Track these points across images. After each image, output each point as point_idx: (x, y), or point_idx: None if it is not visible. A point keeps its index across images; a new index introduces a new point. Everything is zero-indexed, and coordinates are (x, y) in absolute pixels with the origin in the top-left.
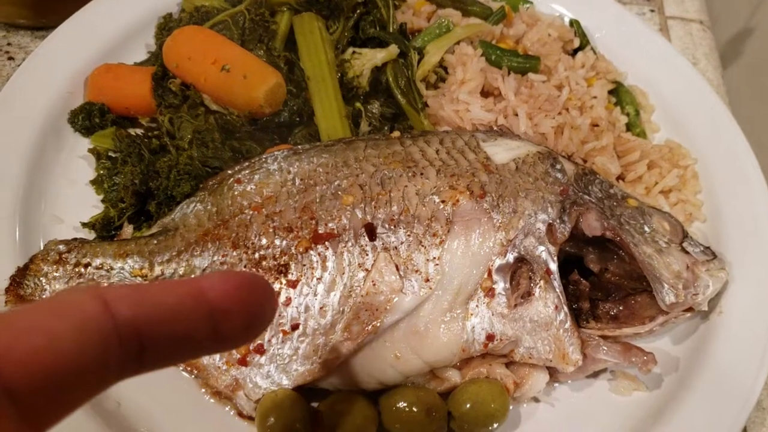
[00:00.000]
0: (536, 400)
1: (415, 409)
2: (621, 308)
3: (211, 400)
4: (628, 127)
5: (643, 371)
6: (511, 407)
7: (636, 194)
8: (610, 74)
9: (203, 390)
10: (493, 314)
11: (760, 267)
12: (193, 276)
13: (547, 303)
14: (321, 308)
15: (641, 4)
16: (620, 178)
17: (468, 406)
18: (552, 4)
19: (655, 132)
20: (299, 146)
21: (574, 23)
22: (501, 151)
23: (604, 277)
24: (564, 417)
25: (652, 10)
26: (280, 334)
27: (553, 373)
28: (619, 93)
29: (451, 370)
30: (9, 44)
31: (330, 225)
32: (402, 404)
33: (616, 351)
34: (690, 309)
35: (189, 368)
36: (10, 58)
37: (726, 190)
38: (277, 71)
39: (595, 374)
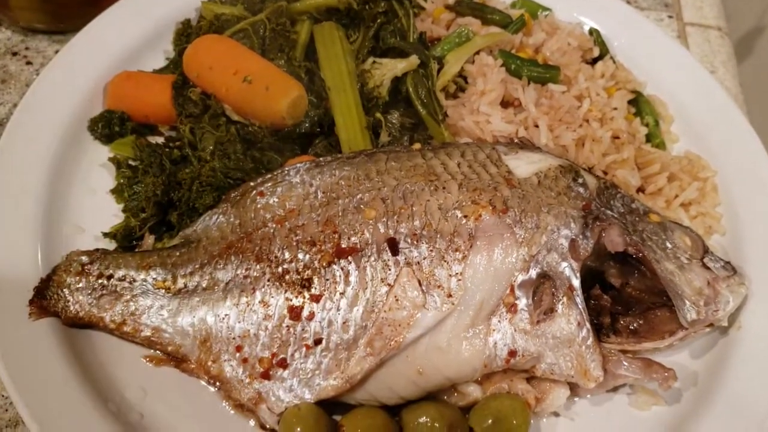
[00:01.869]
0: (556, 414)
1: (436, 425)
2: (641, 322)
3: (234, 413)
4: (648, 138)
5: (664, 387)
6: (531, 421)
7: (656, 207)
8: (630, 84)
9: (225, 402)
10: (515, 330)
11: None
12: (216, 289)
13: (569, 319)
14: (344, 323)
15: (659, 10)
16: (640, 190)
17: (490, 421)
18: (571, 12)
19: (675, 143)
20: (321, 158)
21: (593, 32)
22: (523, 165)
23: (625, 291)
24: (584, 431)
25: (671, 17)
26: (303, 349)
27: (574, 388)
28: (638, 103)
29: (473, 385)
30: (27, 48)
31: (353, 239)
32: (424, 419)
33: (637, 367)
34: (710, 324)
35: (212, 380)
36: (29, 63)
37: (745, 203)
38: (299, 83)
39: (615, 388)
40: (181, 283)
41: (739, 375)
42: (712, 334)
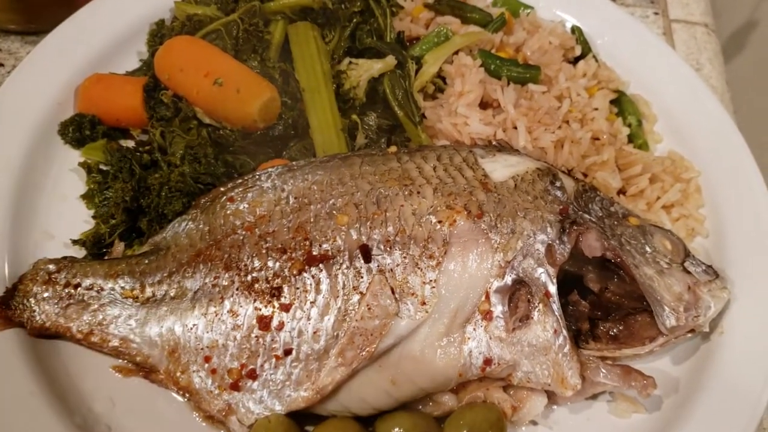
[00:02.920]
0: (534, 423)
1: None
2: (621, 328)
3: (204, 425)
4: (630, 138)
5: (643, 395)
6: (508, 431)
7: (637, 210)
8: (612, 83)
9: (195, 414)
10: (491, 338)
11: (762, 285)
12: (184, 298)
13: (545, 327)
14: (314, 333)
15: (645, 6)
16: (621, 192)
17: (465, 431)
18: (554, 9)
19: (658, 142)
20: (294, 162)
21: (576, 30)
22: (499, 168)
23: (604, 296)
24: None
25: (656, 13)
26: (273, 359)
27: (552, 396)
28: (621, 102)
29: (448, 394)
30: None
31: (324, 246)
32: (397, 430)
33: (616, 374)
34: (692, 330)
35: (181, 391)
36: (0, 65)
37: (730, 204)
38: (271, 85)
39: (594, 396)
40: (149, 292)
41: (722, 380)
42: (694, 339)
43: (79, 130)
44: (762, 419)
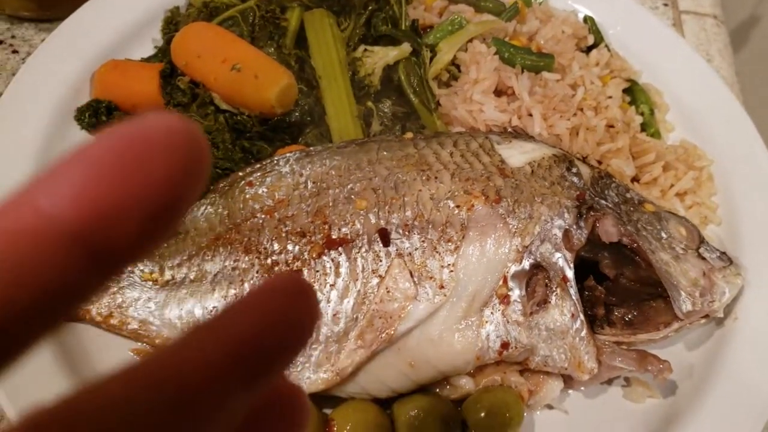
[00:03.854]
0: (550, 407)
1: (429, 418)
2: (636, 314)
3: None
4: (643, 127)
5: (659, 380)
6: (525, 414)
7: (651, 197)
8: (625, 72)
9: None
10: (508, 322)
11: None
12: (204, 281)
13: (563, 311)
14: (334, 315)
15: None
16: (635, 179)
17: (483, 414)
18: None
19: (670, 131)
20: (311, 148)
21: (588, 20)
22: (516, 154)
23: (620, 282)
24: (578, 424)
25: (666, 4)
26: None
27: (567, 381)
28: (633, 92)
29: (465, 377)
30: (13, 37)
31: (343, 230)
32: (415, 412)
33: (632, 359)
34: (706, 315)
35: None
36: (14, 52)
37: (742, 192)
38: (288, 71)
39: (609, 381)
40: (168, 275)
41: (736, 367)
42: (708, 326)
43: (95, 115)
44: None
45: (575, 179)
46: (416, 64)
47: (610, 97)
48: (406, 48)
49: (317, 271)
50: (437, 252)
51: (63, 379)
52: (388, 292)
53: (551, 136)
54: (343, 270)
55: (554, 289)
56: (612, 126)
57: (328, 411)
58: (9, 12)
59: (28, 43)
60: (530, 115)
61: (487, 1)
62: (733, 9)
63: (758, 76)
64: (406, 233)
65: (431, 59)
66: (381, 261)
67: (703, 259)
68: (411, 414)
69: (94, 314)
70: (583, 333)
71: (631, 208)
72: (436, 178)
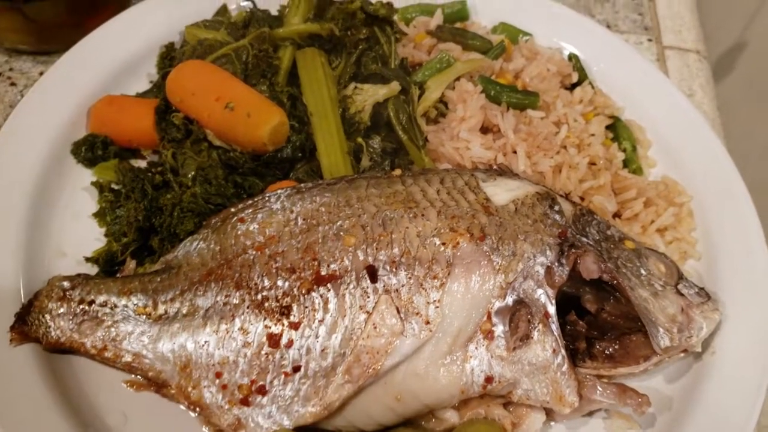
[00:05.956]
0: None
1: None
2: (616, 347)
3: None
4: (625, 163)
5: (638, 413)
6: None
7: (632, 233)
8: (608, 109)
9: (206, 428)
10: (492, 357)
11: (753, 306)
12: (196, 315)
13: (545, 346)
14: (322, 350)
15: (639, 33)
16: (617, 215)
17: None
18: (551, 37)
19: (652, 167)
20: (302, 184)
21: (573, 57)
22: (500, 192)
23: (600, 317)
24: None
25: (650, 40)
26: (282, 376)
27: (550, 413)
28: (616, 128)
29: (450, 410)
30: (11, 69)
31: (332, 266)
32: None
33: (612, 392)
34: (685, 350)
35: (192, 406)
36: (12, 84)
37: (720, 227)
38: (280, 109)
39: (591, 413)
40: (161, 309)
41: (713, 400)
42: (686, 359)
43: (91, 149)
44: None
45: (557, 217)
46: (405, 101)
47: (593, 135)
48: (395, 86)
49: (306, 307)
50: (423, 288)
51: (59, 412)
52: (375, 327)
53: (535, 174)
54: (331, 306)
55: (536, 324)
56: (594, 163)
57: None
58: (7, 45)
59: (26, 75)
60: (515, 152)
61: (474, 40)
62: (716, 41)
63: (740, 107)
64: (394, 270)
65: (420, 96)
66: (368, 297)
67: (682, 295)
68: None
69: (89, 347)
70: (565, 368)
71: (612, 245)
72: (422, 215)
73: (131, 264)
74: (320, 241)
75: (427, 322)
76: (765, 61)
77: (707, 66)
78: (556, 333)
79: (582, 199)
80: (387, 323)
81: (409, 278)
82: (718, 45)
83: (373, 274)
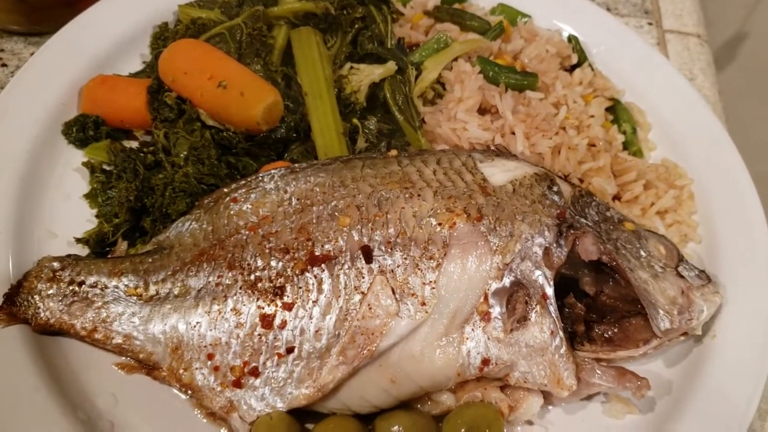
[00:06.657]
0: (530, 422)
1: None
2: (616, 330)
3: (205, 421)
4: (625, 146)
5: (637, 396)
6: (505, 430)
7: (632, 215)
8: (608, 91)
9: (197, 411)
10: (489, 338)
11: (753, 290)
12: (188, 296)
13: (543, 328)
14: (316, 331)
15: (639, 17)
16: (616, 198)
17: (463, 430)
18: (551, 18)
19: (652, 150)
20: (296, 164)
21: (572, 39)
22: (498, 173)
23: (599, 299)
24: None
25: (650, 23)
26: (275, 357)
27: (548, 396)
28: (616, 110)
29: (446, 393)
30: (2, 50)
31: (326, 247)
32: (396, 428)
33: (611, 376)
34: (685, 333)
35: (184, 388)
36: (3, 65)
37: (721, 211)
38: (274, 88)
39: (589, 397)
40: (152, 290)
41: (714, 383)
42: (686, 342)
43: (82, 130)
44: (752, 421)
45: (556, 198)
46: (402, 81)
47: (593, 116)
48: (391, 66)
49: (300, 288)
50: (419, 269)
51: (48, 394)
52: (370, 308)
53: (533, 155)
54: (325, 286)
55: (534, 306)
56: (594, 145)
57: (309, 426)
58: None
59: (18, 56)
60: (513, 133)
61: (472, 20)
62: (717, 27)
63: (741, 93)
64: (389, 250)
65: (416, 77)
66: (363, 278)
67: (682, 277)
68: (392, 430)
69: (79, 328)
70: (563, 350)
71: (611, 227)
72: (419, 195)
73: (122, 245)
74: (314, 221)
75: (423, 303)
76: (766, 50)
77: (708, 50)
78: (554, 315)
79: (581, 180)
80: (382, 304)
81: (405, 259)
82: (720, 33)
83: (368, 254)
